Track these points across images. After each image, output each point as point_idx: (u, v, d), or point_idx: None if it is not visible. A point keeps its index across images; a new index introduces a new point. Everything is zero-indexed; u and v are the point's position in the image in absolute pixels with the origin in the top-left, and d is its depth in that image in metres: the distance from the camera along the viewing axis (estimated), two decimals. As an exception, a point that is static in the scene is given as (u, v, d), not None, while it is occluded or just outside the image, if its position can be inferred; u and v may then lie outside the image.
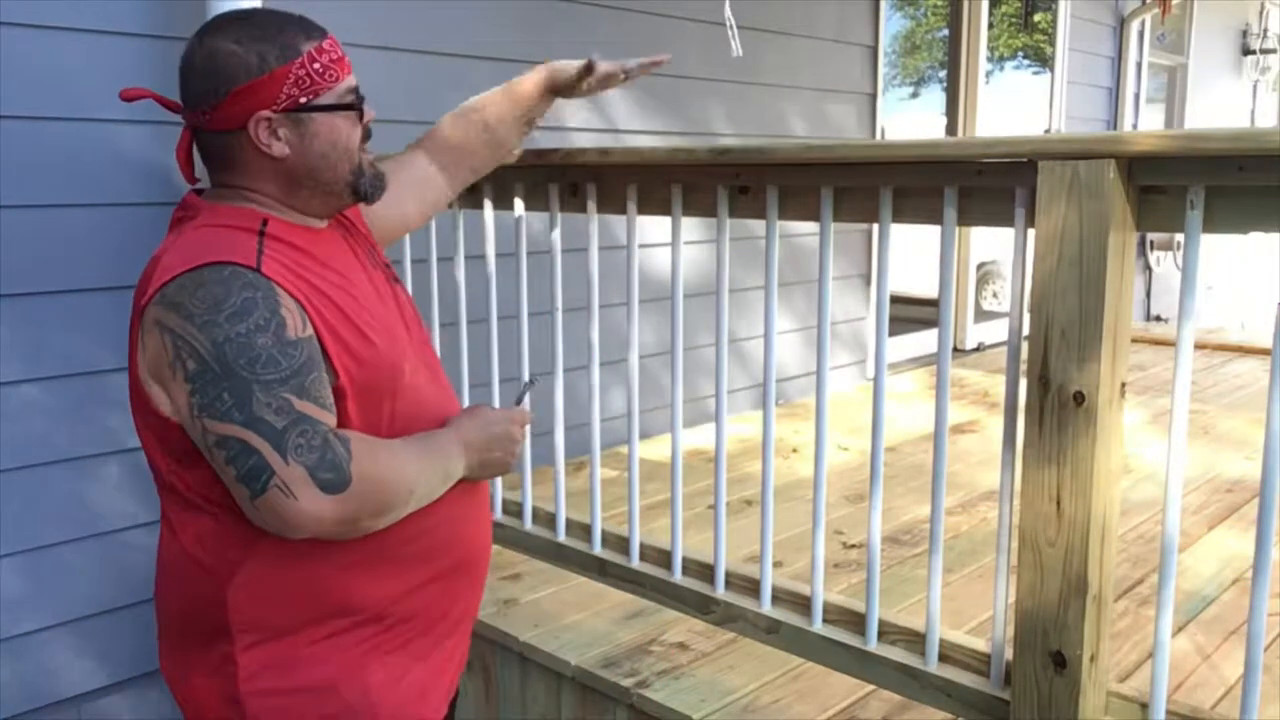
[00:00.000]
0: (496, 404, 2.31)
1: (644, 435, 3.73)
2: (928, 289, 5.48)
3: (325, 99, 1.32)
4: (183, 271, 1.20)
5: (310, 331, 1.24)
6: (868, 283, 4.80)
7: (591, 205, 1.98)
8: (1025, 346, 1.42)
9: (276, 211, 1.35)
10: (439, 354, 2.40)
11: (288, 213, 1.36)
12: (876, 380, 1.64)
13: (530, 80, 1.81)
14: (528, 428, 1.49)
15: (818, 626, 1.75)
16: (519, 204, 2.15)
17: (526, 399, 1.58)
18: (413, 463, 1.31)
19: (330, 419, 1.23)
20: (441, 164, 1.79)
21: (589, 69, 1.77)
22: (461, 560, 1.44)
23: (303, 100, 1.30)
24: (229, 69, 1.28)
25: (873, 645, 1.67)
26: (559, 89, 1.81)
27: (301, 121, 1.31)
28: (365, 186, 1.39)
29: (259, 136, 1.30)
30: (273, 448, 1.17)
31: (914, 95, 5.64)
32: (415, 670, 1.39)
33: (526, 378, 1.58)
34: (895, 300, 4.84)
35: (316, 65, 1.30)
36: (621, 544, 2.06)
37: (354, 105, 1.35)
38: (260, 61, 1.27)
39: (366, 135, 1.39)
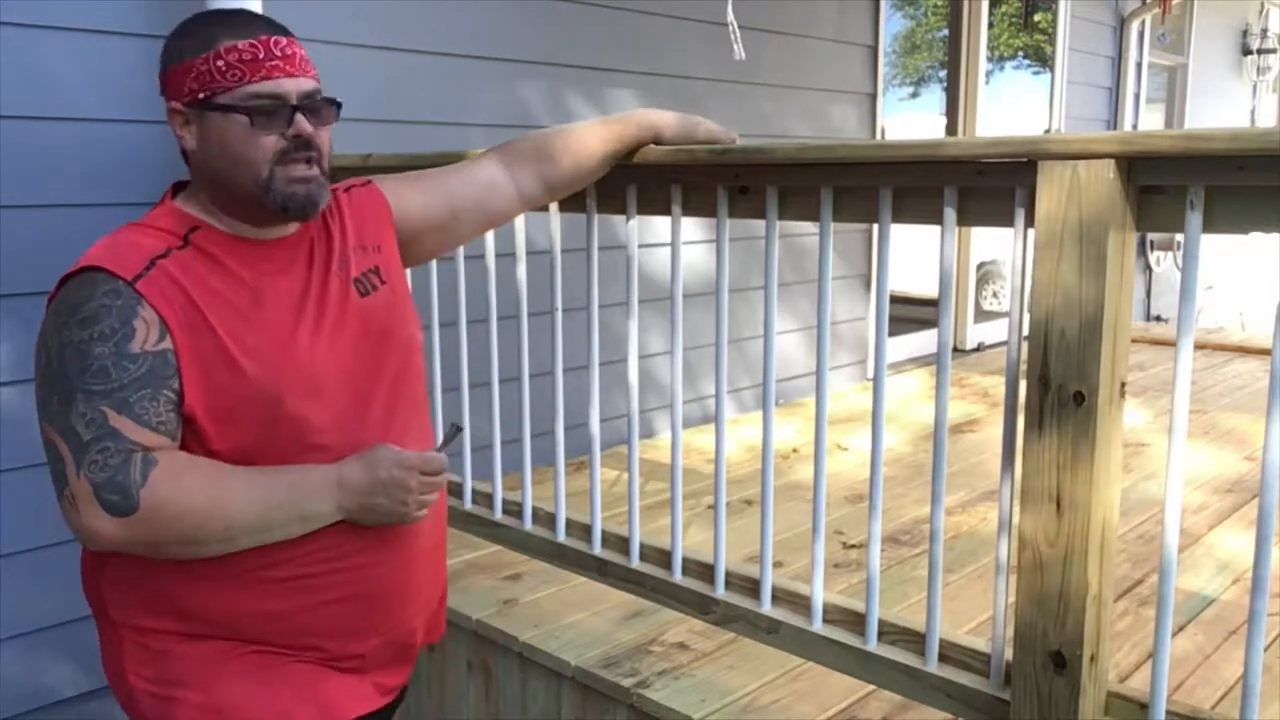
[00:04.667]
0: (495, 407, 2.31)
1: (644, 435, 3.74)
2: (928, 289, 5.48)
3: (222, 98, 1.27)
4: (75, 270, 1.25)
5: (164, 347, 1.23)
6: (868, 283, 4.80)
7: (591, 205, 1.98)
8: (1025, 346, 1.42)
9: (214, 217, 1.34)
10: (437, 362, 2.38)
11: (226, 219, 1.34)
12: (876, 380, 1.64)
13: (649, 129, 1.76)
14: (440, 478, 1.38)
15: (818, 626, 1.74)
16: (519, 204, 2.15)
17: (447, 447, 1.46)
18: (244, 497, 1.25)
19: (154, 439, 1.22)
20: (515, 173, 1.71)
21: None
22: (353, 595, 1.38)
23: (200, 96, 1.28)
24: (162, 57, 1.32)
25: (873, 645, 1.67)
26: (667, 145, 1.78)
27: (202, 117, 1.30)
28: (275, 202, 1.30)
29: (173, 125, 1.32)
30: (72, 458, 1.20)
31: (914, 95, 5.63)
32: (289, 694, 1.35)
33: (450, 424, 1.49)
34: (895, 300, 4.85)
35: (220, 63, 1.26)
36: (621, 544, 2.06)
37: (247, 110, 1.27)
38: (179, 52, 1.30)
39: (294, 150, 1.30)
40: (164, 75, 1.32)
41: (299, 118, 1.30)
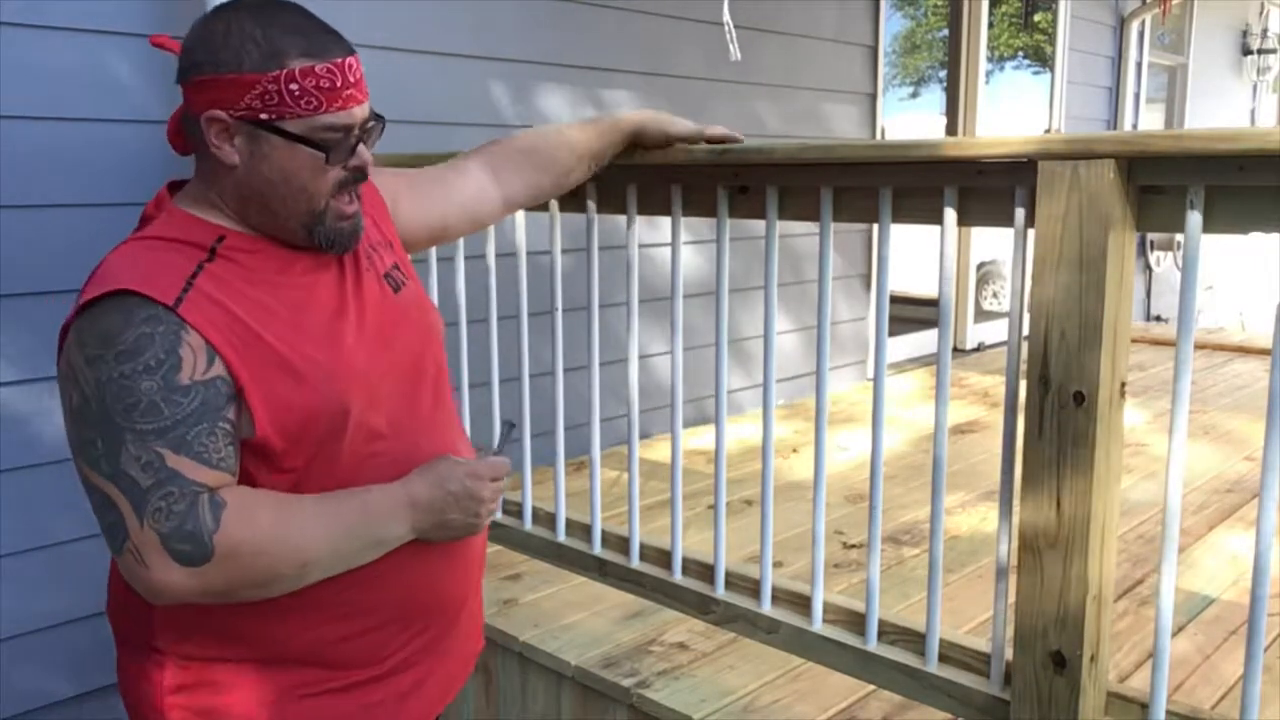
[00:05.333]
0: (496, 408, 2.31)
1: (644, 435, 3.74)
2: (928, 289, 5.48)
3: (290, 125, 1.17)
4: (100, 295, 1.12)
5: (216, 374, 1.12)
6: (868, 283, 4.80)
7: (591, 205, 1.98)
8: (1025, 346, 1.42)
9: (237, 222, 1.23)
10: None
11: (251, 226, 1.24)
12: (876, 380, 1.64)
13: (628, 125, 1.73)
14: (503, 482, 1.31)
15: (818, 626, 1.74)
16: (519, 204, 2.15)
17: (506, 446, 1.39)
18: (317, 530, 1.17)
19: (216, 477, 1.12)
20: (500, 178, 1.66)
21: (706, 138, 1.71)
22: (419, 607, 1.32)
23: (263, 116, 1.16)
24: (207, 52, 1.17)
25: (873, 645, 1.67)
26: (645, 142, 1.75)
27: (258, 137, 1.18)
28: (322, 236, 1.24)
29: (209, 134, 1.18)
30: (132, 508, 1.09)
31: (914, 95, 5.64)
32: (349, 714, 1.30)
33: (503, 422, 1.43)
34: (895, 300, 4.85)
35: (294, 86, 1.16)
36: (621, 544, 2.06)
37: (320, 145, 1.19)
38: (236, 59, 1.15)
39: (348, 184, 1.24)
40: (207, 80, 1.17)
41: (361, 148, 1.24)
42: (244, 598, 1.17)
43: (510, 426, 1.40)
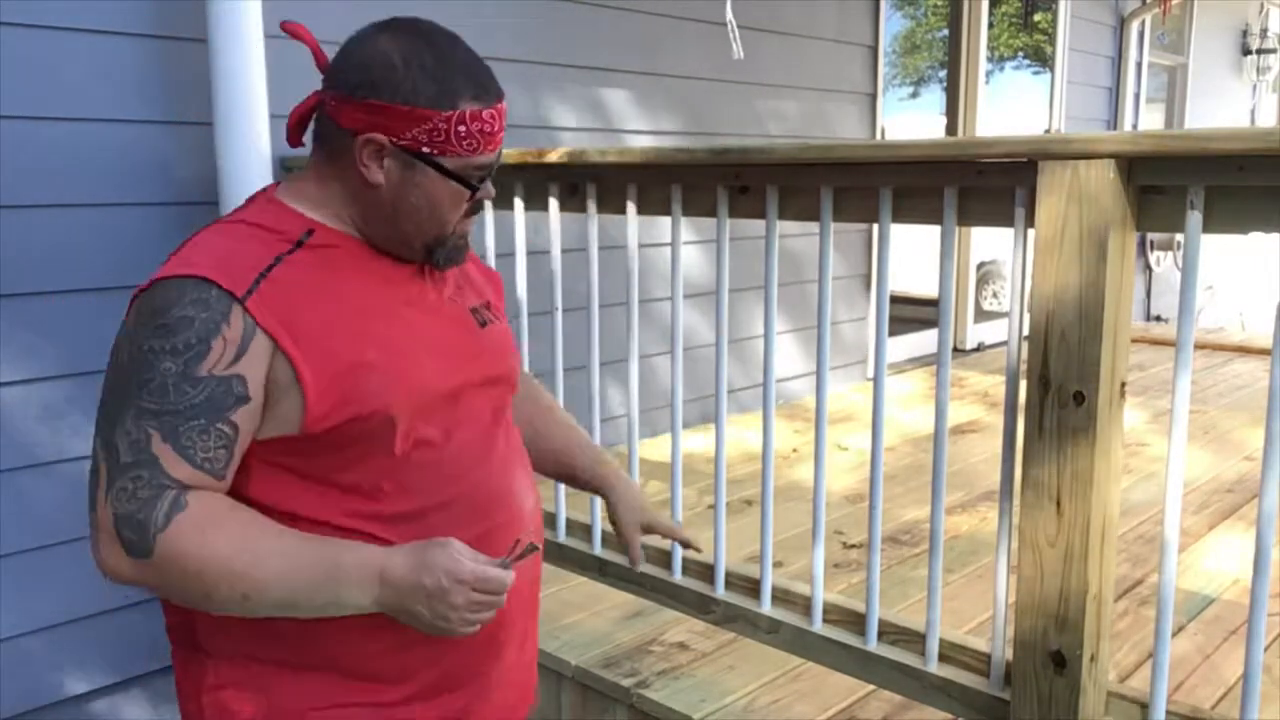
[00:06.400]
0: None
1: (645, 435, 3.74)
2: (928, 289, 5.48)
3: (447, 162, 1.21)
4: (169, 276, 1.14)
5: (234, 372, 1.11)
6: (868, 283, 4.80)
7: (591, 205, 1.98)
8: (1025, 346, 1.42)
9: (340, 221, 1.25)
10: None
11: (352, 225, 1.26)
12: (876, 380, 1.64)
13: (602, 481, 1.67)
14: (500, 598, 1.18)
15: (818, 626, 1.74)
16: (519, 204, 2.15)
17: (516, 563, 1.22)
18: (273, 569, 1.12)
19: (194, 475, 1.11)
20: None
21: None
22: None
23: (424, 150, 1.20)
24: (378, 77, 1.18)
25: (873, 645, 1.67)
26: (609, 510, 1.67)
27: (412, 166, 1.21)
28: (441, 256, 1.28)
29: (361, 153, 1.20)
30: (106, 479, 1.10)
31: (914, 95, 5.64)
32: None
33: (530, 542, 1.30)
34: (895, 300, 4.85)
35: (461, 129, 1.20)
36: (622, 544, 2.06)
37: (470, 185, 1.24)
38: (413, 91, 1.18)
39: (473, 211, 1.29)
40: (378, 105, 1.18)
41: (488, 182, 1.27)
42: (186, 604, 1.18)
43: (533, 549, 1.28)
